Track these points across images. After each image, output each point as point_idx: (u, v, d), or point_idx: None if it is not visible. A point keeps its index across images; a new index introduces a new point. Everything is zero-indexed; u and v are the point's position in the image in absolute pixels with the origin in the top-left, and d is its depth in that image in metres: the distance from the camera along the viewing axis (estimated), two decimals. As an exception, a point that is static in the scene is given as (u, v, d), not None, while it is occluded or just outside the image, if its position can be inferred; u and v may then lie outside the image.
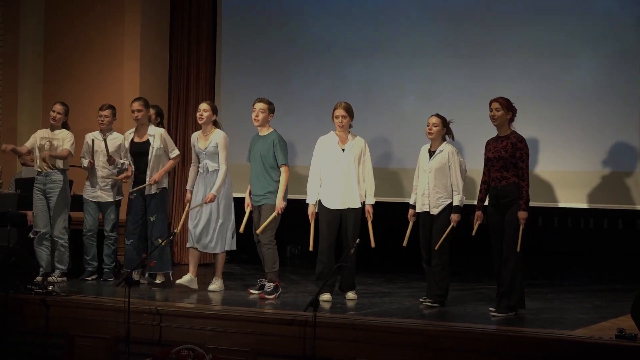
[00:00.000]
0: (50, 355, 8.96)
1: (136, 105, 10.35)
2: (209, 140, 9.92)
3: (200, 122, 9.99)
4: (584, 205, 10.68)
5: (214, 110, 10.05)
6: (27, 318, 9.07)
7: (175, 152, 10.42)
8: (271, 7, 12.52)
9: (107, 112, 10.86)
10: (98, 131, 10.88)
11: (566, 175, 10.67)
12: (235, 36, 12.73)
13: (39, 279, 9.78)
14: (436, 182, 9.14)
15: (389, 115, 11.54)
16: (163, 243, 9.93)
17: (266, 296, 9.48)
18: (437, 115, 9.26)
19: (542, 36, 10.87)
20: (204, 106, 10.02)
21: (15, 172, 12.33)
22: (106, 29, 12.76)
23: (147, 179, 10.24)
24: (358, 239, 8.91)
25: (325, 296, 9.22)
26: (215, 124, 10.04)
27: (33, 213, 10.55)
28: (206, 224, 9.84)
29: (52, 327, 8.97)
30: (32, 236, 10.40)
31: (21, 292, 9.19)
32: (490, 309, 8.67)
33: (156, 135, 10.33)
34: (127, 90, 12.43)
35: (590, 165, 10.60)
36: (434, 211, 9.13)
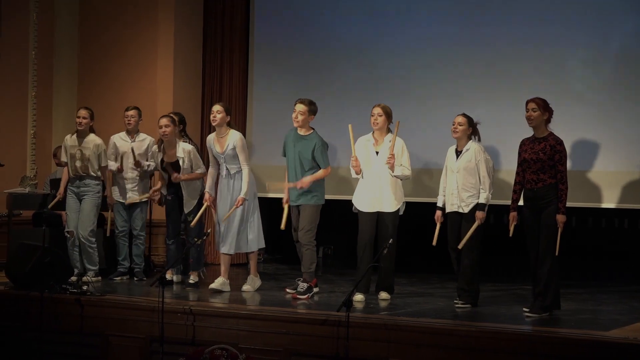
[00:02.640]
0: (85, 355, 9.02)
1: (164, 121, 10.30)
2: (226, 143, 9.82)
3: (213, 124, 9.87)
4: (619, 206, 10.59)
5: (228, 112, 9.93)
6: (62, 317, 9.13)
7: (201, 170, 10.37)
8: (304, 6, 12.53)
9: (132, 113, 10.88)
10: (124, 132, 10.92)
11: (600, 176, 10.59)
12: (269, 35, 12.74)
13: (73, 278, 9.84)
14: (465, 181, 9.09)
15: (418, 115, 11.50)
16: (198, 242, 9.96)
17: (298, 296, 9.48)
18: (463, 115, 9.20)
19: (572, 34, 10.82)
20: (217, 107, 9.89)
21: (50, 173, 12.43)
22: (140, 28, 12.81)
23: (183, 201, 10.33)
24: (391, 239, 8.91)
25: (359, 296, 9.21)
26: (229, 125, 9.95)
27: (66, 214, 10.61)
28: (239, 226, 9.84)
29: (87, 327, 9.03)
30: (67, 235, 10.48)
31: (56, 291, 9.25)
32: (525, 309, 8.64)
33: (185, 156, 10.30)
34: (161, 89, 12.50)
35: (625, 165, 10.51)
36: (465, 209, 9.08)
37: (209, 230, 10.36)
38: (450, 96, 11.24)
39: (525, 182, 8.70)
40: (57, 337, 9.07)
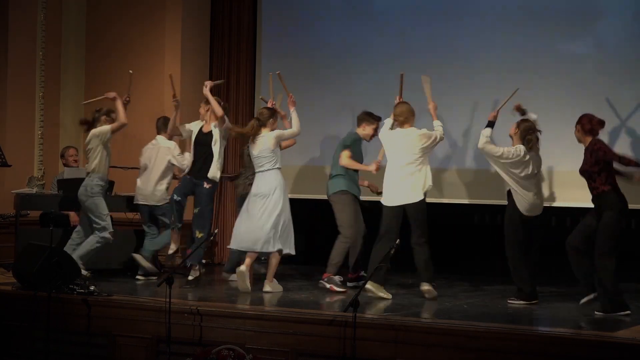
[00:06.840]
0: (92, 355, 9.03)
1: (203, 105, 10.50)
2: (261, 144, 9.95)
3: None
4: (631, 206, 10.55)
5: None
6: (69, 318, 9.15)
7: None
8: (311, 7, 12.53)
9: None
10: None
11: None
12: (276, 36, 12.77)
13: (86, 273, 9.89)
14: None
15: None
16: (199, 236, 9.99)
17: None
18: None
19: (587, 36, 10.85)
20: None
21: (57, 173, 12.45)
22: (147, 27, 12.86)
23: (210, 167, 10.24)
24: (398, 240, 8.89)
25: (370, 286, 9.33)
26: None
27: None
28: (275, 223, 9.88)
29: (94, 327, 9.04)
30: (109, 237, 10.48)
31: (63, 292, 9.27)
32: (597, 312, 8.66)
33: (217, 129, 10.33)
34: (168, 88, 12.46)
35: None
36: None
37: (215, 231, 10.35)
38: (463, 103, 11.25)
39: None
40: (64, 337, 9.08)
